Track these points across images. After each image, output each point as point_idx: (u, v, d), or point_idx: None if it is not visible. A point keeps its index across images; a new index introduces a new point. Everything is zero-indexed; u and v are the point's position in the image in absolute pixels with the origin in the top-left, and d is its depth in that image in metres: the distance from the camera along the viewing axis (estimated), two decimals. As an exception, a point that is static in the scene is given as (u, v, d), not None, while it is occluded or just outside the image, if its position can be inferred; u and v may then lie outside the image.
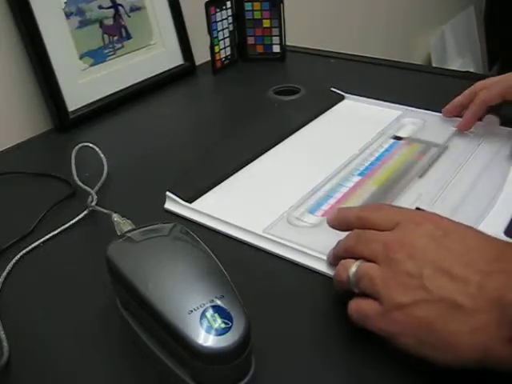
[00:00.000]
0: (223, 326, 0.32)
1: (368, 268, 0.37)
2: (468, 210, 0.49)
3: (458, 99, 0.63)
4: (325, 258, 0.44)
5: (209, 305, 0.33)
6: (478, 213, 0.48)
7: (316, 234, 0.48)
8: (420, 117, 0.67)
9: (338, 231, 0.42)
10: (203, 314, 0.33)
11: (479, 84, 0.62)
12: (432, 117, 0.66)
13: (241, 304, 0.34)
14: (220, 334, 0.32)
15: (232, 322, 0.33)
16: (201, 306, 0.33)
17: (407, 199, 0.51)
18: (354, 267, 0.37)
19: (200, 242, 0.40)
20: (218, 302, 0.34)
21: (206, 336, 0.32)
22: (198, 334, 0.32)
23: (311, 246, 0.46)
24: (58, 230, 0.52)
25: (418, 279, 0.34)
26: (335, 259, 0.42)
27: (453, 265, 0.34)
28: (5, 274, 0.47)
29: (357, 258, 0.38)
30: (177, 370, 0.35)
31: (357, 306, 0.37)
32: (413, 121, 0.66)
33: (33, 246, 0.50)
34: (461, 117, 0.63)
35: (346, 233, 0.41)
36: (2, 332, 0.40)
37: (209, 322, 0.33)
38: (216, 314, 0.33)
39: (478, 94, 0.60)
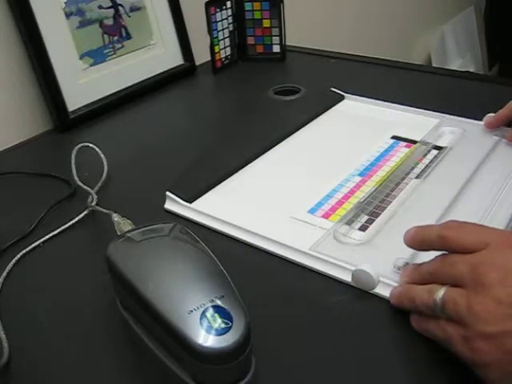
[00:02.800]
0: (223, 325, 0.32)
1: (454, 293, 0.34)
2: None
3: (504, 112, 0.59)
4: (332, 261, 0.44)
5: (209, 305, 0.33)
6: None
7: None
8: (458, 125, 0.63)
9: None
10: (203, 314, 0.33)
11: None
12: (470, 125, 0.63)
13: (241, 304, 0.34)
14: (220, 334, 0.32)
15: (232, 322, 0.33)
16: (201, 306, 0.33)
17: (408, 199, 0.51)
18: (441, 292, 0.35)
19: (200, 241, 0.40)
20: (218, 302, 0.34)
21: (206, 336, 0.32)
22: (198, 334, 0.32)
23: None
24: (58, 230, 0.52)
25: (509, 308, 0.31)
26: (412, 282, 0.39)
27: None
28: (5, 274, 0.47)
29: (442, 283, 0.36)
30: (177, 370, 0.35)
31: (443, 328, 0.35)
32: (452, 130, 0.63)
33: (33, 245, 0.50)
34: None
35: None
36: (2, 332, 0.40)
37: (209, 321, 0.32)
38: (216, 314, 0.33)
39: None
